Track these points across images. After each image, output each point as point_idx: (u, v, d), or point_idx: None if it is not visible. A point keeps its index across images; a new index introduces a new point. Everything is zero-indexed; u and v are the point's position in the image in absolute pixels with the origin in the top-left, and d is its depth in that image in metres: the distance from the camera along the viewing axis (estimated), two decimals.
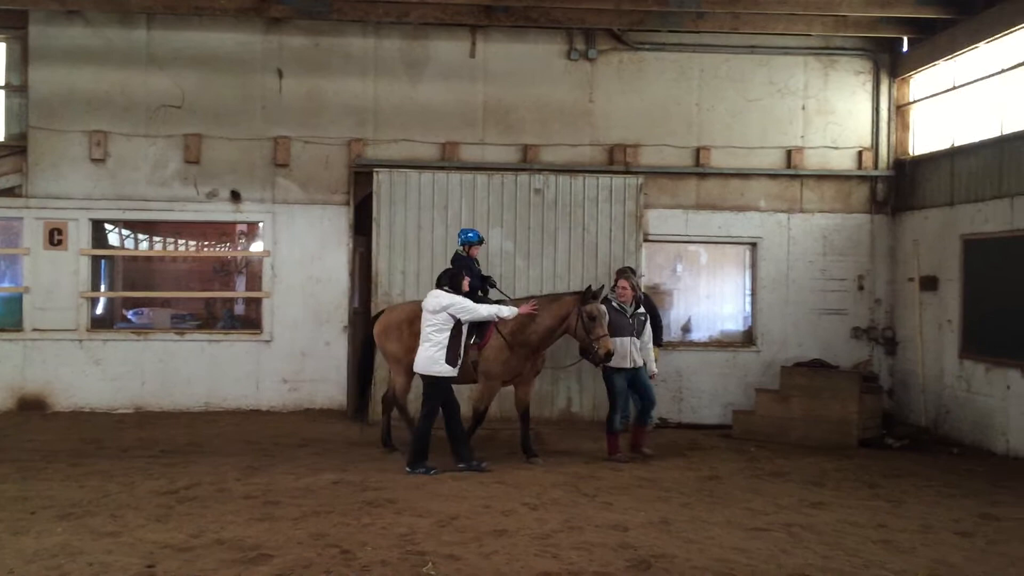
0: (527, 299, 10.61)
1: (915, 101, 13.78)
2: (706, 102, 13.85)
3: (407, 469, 9.40)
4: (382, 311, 11.26)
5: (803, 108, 13.94)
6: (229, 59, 13.40)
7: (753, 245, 13.96)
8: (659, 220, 13.67)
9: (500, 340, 10.08)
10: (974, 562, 6.78)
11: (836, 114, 13.98)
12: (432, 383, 9.53)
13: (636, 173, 13.36)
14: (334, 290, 13.41)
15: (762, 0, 12.18)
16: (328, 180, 13.44)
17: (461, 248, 11.16)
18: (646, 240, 13.39)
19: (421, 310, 9.90)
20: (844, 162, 13.99)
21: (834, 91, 13.96)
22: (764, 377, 13.30)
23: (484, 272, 11.57)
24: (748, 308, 14.01)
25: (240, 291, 14.61)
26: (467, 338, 9.75)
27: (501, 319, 9.77)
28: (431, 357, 9.44)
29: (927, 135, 13.57)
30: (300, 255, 13.42)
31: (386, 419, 10.98)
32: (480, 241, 11.26)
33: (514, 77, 13.62)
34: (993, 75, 11.93)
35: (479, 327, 10.04)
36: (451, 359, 9.45)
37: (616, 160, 13.66)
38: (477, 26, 13.32)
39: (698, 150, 13.81)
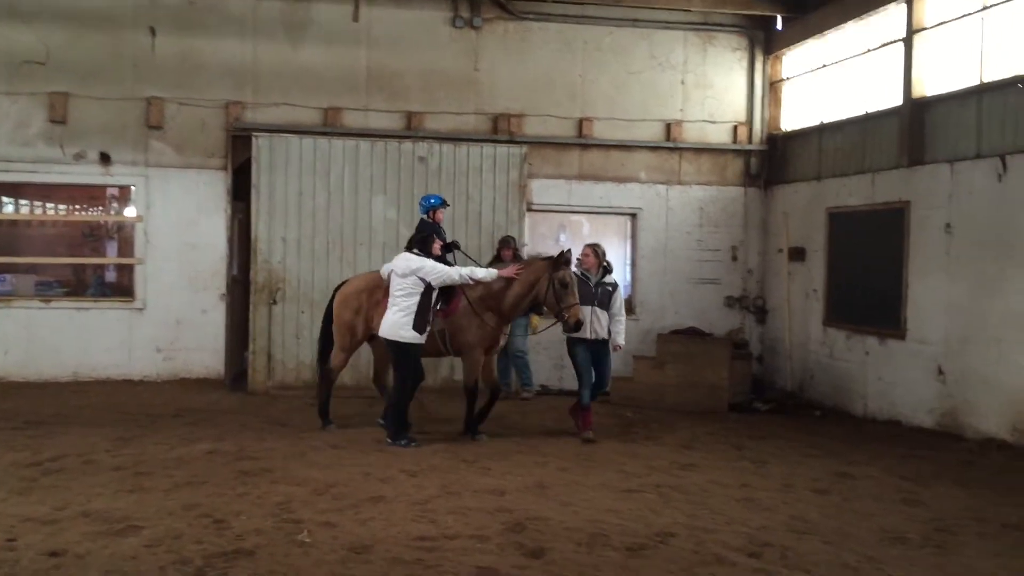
0: (495, 266, 10.19)
1: (787, 78, 14.28)
2: (589, 74, 14.02)
3: (387, 441, 9.11)
4: (344, 281, 10.75)
5: (682, 82, 14.27)
6: (98, 15, 12.81)
7: (633, 216, 14.27)
8: (542, 190, 13.82)
9: (468, 306, 9.64)
10: (829, 518, 7.17)
11: (714, 89, 14.36)
12: (400, 350, 9.20)
13: (520, 143, 13.43)
14: (211, 256, 13.07)
15: None
16: (205, 143, 13.05)
17: (426, 215, 10.60)
18: (529, 210, 13.51)
19: (381, 280, 9.66)
20: (721, 136, 14.41)
21: (712, 66, 14.33)
22: (643, 344, 13.65)
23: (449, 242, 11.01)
24: (628, 277, 14.32)
25: (111, 257, 14.07)
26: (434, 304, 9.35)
27: (476, 281, 9.36)
28: (397, 322, 9.11)
29: (798, 111, 14.10)
30: (175, 220, 13.01)
31: (326, 389, 10.30)
32: (444, 204, 10.74)
33: (399, 43, 13.47)
34: (858, 55, 12.47)
35: (445, 293, 9.56)
36: (419, 325, 9.11)
37: (501, 129, 13.72)
38: None
39: (581, 121, 13.99)
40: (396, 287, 9.20)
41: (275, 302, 12.37)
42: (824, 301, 12.78)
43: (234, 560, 5.75)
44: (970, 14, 10.45)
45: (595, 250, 10.12)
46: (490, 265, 12.33)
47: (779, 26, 14.15)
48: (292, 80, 13.20)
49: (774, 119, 14.47)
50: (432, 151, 12.93)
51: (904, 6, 11.32)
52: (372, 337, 10.00)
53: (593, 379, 10.00)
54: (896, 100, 11.49)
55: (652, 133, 14.20)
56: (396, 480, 7.87)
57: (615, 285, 10.11)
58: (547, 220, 14.25)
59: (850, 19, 12.47)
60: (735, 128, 14.40)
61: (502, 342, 10.14)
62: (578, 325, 9.42)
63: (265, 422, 10.44)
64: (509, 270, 9.59)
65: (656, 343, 13.09)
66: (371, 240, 12.69)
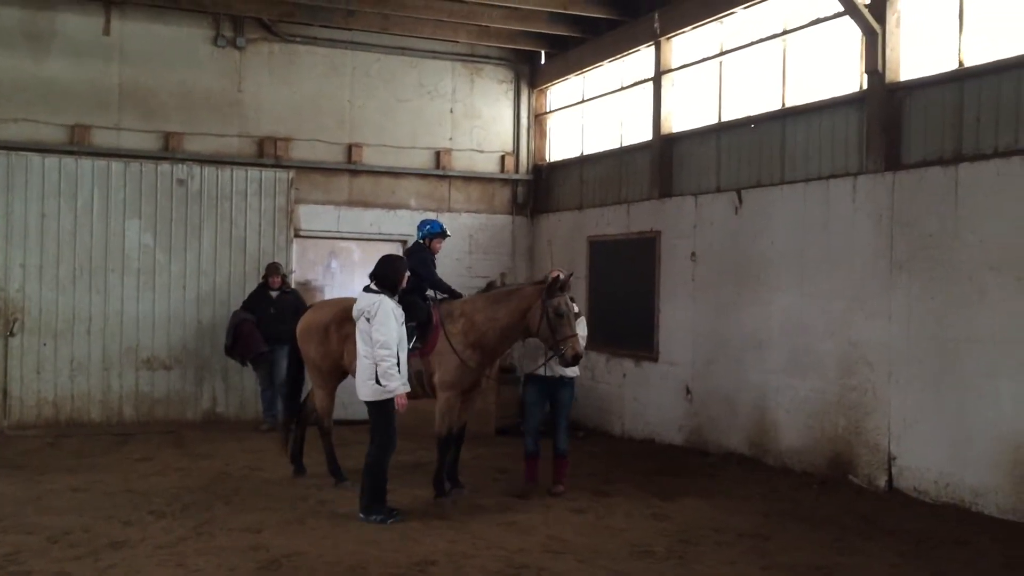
0: (479, 295, 9.05)
1: (551, 111, 14.85)
2: (358, 99, 13.95)
3: (360, 516, 7.63)
4: (307, 307, 9.68)
5: (451, 111, 14.49)
6: None
7: (404, 243, 14.23)
8: (311, 216, 13.56)
9: (447, 345, 8.36)
10: (584, 536, 7.43)
11: (482, 119, 14.68)
12: (372, 408, 7.68)
13: (287, 167, 13.15)
14: None
15: (409, 4, 12.49)
16: None
17: (422, 241, 9.15)
18: (297, 236, 13.22)
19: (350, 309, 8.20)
20: (489, 165, 14.74)
21: (480, 97, 14.66)
22: None
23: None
24: None
25: None
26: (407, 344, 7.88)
27: (385, 387, 7.53)
28: (361, 377, 7.63)
29: (562, 143, 14.69)
30: None
31: (299, 432, 9.23)
32: (444, 233, 9.21)
33: (155, 60, 12.83)
34: (615, 91, 13.17)
35: (421, 328, 8.34)
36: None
37: (267, 153, 13.36)
38: (112, 2, 12.39)
39: (350, 147, 13.88)
40: (357, 333, 7.72)
41: (12, 333, 11.38)
42: (586, 326, 13.29)
43: None
44: (709, 58, 11.30)
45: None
46: (254, 296, 12.00)
47: (543, 61, 14.71)
48: (34, 95, 12.23)
49: (539, 150, 14.99)
50: (192, 174, 12.41)
51: (654, 48, 12.08)
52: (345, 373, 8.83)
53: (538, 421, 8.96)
54: (648, 135, 12.22)
55: (422, 161, 14.31)
56: (143, 522, 7.42)
57: (579, 315, 8.84)
58: (316, 246, 13.98)
59: (607, 58, 13.16)
60: (503, 158, 14.78)
61: (485, 383, 9.00)
62: (576, 359, 8.22)
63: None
64: (401, 403, 7.63)
65: None
66: (124, 266, 12.00)
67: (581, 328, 8.62)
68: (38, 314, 11.54)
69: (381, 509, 7.64)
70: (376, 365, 7.49)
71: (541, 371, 8.76)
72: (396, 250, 14.41)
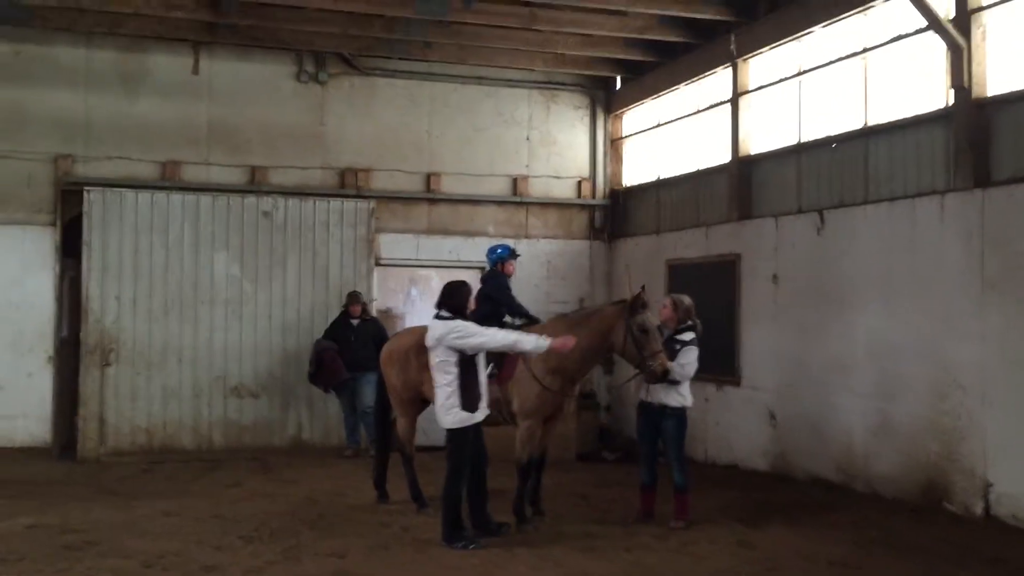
0: (558, 318, 8.79)
1: (627, 136, 14.84)
2: (436, 129, 14.16)
3: (442, 543, 7.62)
4: (386, 335, 9.89)
5: (528, 139, 14.60)
6: None
7: (482, 269, 14.31)
8: (391, 244, 13.78)
9: (526, 372, 8.24)
10: (667, 564, 7.33)
11: (558, 145, 14.76)
12: (451, 435, 7.62)
13: (368, 197, 13.41)
14: (38, 317, 12.37)
15: (485, 35, 12.66)
16: (31, 198, 12.42)
17: (493, 267, 9.41)
18: (378, 264, 13.44)
19: None
20: (565, 191, 14.78)
21: (556, 123, 14.74)
22: None
23: None
24: None
25: None
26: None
27: (523, 353, 7.78)
28: (442, 405, 7.56)
29: (638, 168, 14.65)
30: None
31: (383, 458, 9.36)
32: (514, 255, 9.42)
33: (241, 97, 13.27)
34: (691, 115, 13.11)
35: (496, 355, 8.16)
36: (468, 403, 7.49)
37: (348, 184, 13.65)
38: (200, 42, 12.86)
39: (429, 176, 14.08)
40: (433, 363, 7.65)
41: (108, 364, 11.80)
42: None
43: None
44: (787, 78, 11.17)
45: (676, 303, 8.70)
46: (335, 324, 12.21)
47: (618, 86, 14.73)
48: (127, 133, 12.77)
49: (616, 175, 14.97)
50: (277, 205, 12.74)
51: (730, 70, 11.99)
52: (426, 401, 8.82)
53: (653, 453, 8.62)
54: (725, 157, 12.12)
55: (499, 188, 14.43)
56: (232, 547, 7.57)
57: (688, 341, 8.50)
58: (397, 274, 14.19)
59: (682, 81, 13.11)
60: (579, 183, 14.81)
61: (569, 407, 8.84)
62: (666, 373, 8.03)
63: (95, 491, 9.86)
64: (561, 340, 7.67)
65: None
66: (213, 298, 12.34)
67: (683, 360, 8.37)
68: (132, 344, 11.94)
69: (460, 535, 7.61)
70: (489, 344, 7.46)
71: (643, 396, 8.52)
72: (474, 277, 14.56)
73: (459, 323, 7.47)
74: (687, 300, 8.73)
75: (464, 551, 7.48)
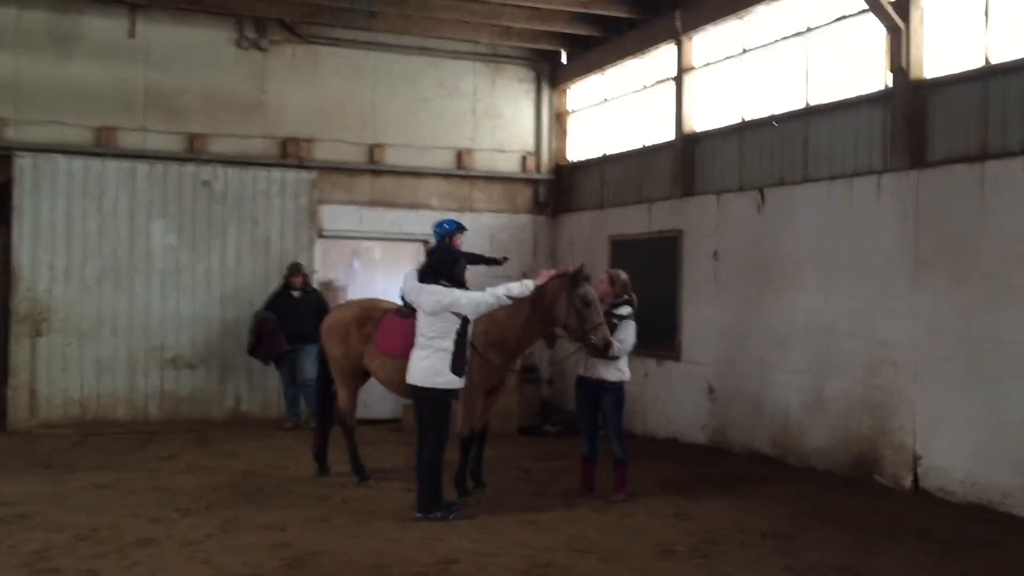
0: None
1: (573, 111, 14.84)
2: (380, 100, 13.99)
3: (418, 515, 7.62)
4: (328, 307, 9.78)
5: (472, 111, 14.51)
6: None
7: (426, 242, 14.27)
8: (333, 216, 13.61)
9: (468, 345, 8.05)
10: (607, 535, 7.40)
11: (503, 119, 14.69)
12: (435, 399, 7.66)
13: (310, 168, 13.23)
14: None
15: (431, 4, 12.52)
16: None
17: (441, 241, 9.26)
18: (320, 236, 13.30)
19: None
20: (510, 165, 14.75)
21: (501, 96, 14.66)
22: None
23: None
24: None
25: None
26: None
27: (513, 299, 7.83)
28: (432, 367, 7.56)
29: (583, 143, 14.67)
30: None
31: (323, 431, 9.36)
32: (461, 229, 9.42)
33: (179, 63, 12.93)
34: (636, 91, 13.14)
35: None
36: (458, 367, 7.59)
37: (290, 154, 13.43)
38: (137, 4, 12.50)
39: (372, 147, 13.92)
40: (426, 329, 7.64)
41: (40, 334, 11.52)
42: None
43: None
44: (732, 56, 11.25)
45: (612, 277, 8.74)
46: (276, 296, 12.05)
47: (564, 60, 14.70)
48: (61, 97, 12.36)
49: (561, 150, 14.97)
50: (216, 175, 12.52)
51: (675, 47, 12.04)
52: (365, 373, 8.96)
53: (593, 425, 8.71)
54: (670, 134, 12.19)
55: (443, 160, 14.34)
56: (168, 520, 7.48)
57: (625, 316, 8.56)
58: (339, 246, 14.02)
59: (627, 56, 13.13)
60: (524, 157, 14.78)
61: (511, 381, 8.97)
62: (608, 346, 8.10)
63: (25, 464, 9.66)
64: (543, 276, 8.12)
65: None
66: (150, 267, 12.13)
67: (621, 336, 8.42)
68: (65, 314, 11.67)
69: (438, 505, 7.66)
70: (490, 303, 7.62)
71: (582, 371, 8.57)
72: (418, 250, 14.48)
73: (460, 292, 7.66)
74: (623, 275, 8.79)
75: (443, 522, 7.51)
